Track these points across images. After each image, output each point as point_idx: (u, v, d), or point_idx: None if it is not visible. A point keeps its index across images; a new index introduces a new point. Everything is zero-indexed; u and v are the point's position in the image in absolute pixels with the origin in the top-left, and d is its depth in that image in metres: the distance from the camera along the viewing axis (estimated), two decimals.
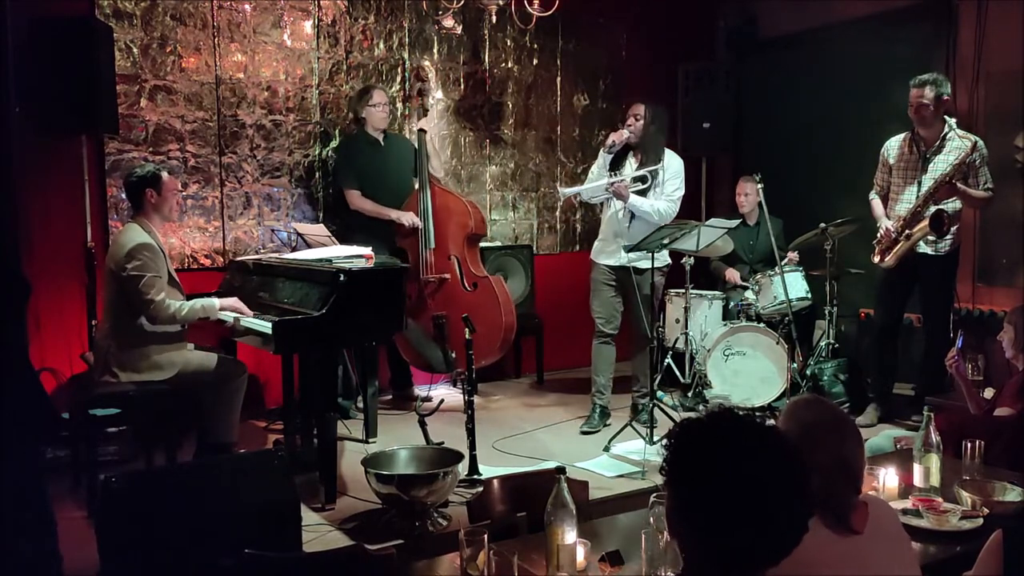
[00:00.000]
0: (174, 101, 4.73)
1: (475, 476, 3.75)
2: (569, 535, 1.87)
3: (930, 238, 4.44)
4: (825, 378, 4.91)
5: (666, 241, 4.23)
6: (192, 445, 3.81)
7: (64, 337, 4.39)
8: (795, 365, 4.84)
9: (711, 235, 4.42)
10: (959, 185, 4.32)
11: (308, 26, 5.12)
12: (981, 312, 5.06)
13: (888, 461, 2.63)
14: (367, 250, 3.89)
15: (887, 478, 2.45)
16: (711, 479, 1.30)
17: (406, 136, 5.34)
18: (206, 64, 4.81)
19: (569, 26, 6.06)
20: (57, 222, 4.37)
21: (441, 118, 5.65)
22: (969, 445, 2.62)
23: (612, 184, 4.47)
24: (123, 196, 4.28)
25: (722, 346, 4.86)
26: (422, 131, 4.96)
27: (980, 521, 2.23)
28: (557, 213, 6.28)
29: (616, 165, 4.57)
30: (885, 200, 4.68)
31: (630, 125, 4.54)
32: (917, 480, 2.49)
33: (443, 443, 3.81)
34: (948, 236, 4.47)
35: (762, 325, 4.90)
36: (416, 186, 5.00)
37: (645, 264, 4.35)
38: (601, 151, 4.65)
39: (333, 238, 4.42)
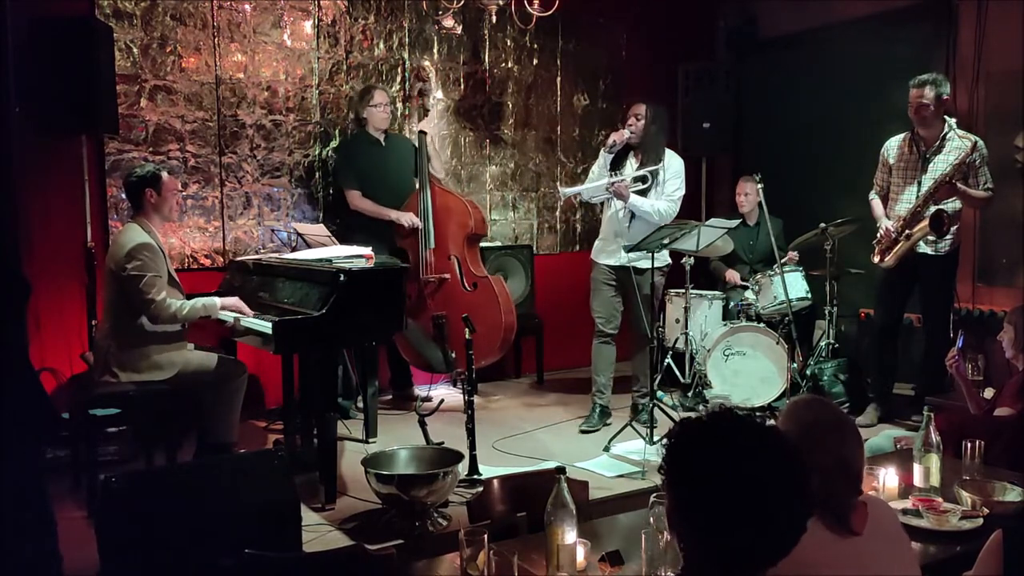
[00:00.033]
0: (174, 101, 4.73)
1: (475, 476, 3.75)
2: (569, 535, 1.87)
3: (930, 238, 4.44)
4: (825, 378, 4.91)
5: (666, 241, 4.23)
6: (192, 445, 3.81)
7: (64, 337, 4.39)
8: (795, 365, 4.84)
9: (711, 235, 4.42)
10: (959, 185, 4.32)
11: (308, 26, 5.12)
12: (981, 312, 5.06)
13: (888, 461, 2.63)
14: (367, 250, 3.89)
15: (887, 478, 2.45)
16: (711, 479, 1.30)
17: (407, 136, 5.34)
18: (206, 64, 4.81)
19: (569, 26, 6.06)
20: (57, 222, 4.37)
21: (441, 118, 5.65)
22: (969, 445, 2.62)
23: (612, 184, 4.47)
24: (123, 196, 4.28)
25: (722, 346, 4.86)
26: (422, 133, 4.96)
27: (980, 521, 2.23)
28: (557, 213, 6.28)
29: (617, 165, 4.58)
30: (885, 200, 4.68)
31: (631, 125, 4.54)
32: (917, 480, 2.49)
33: (443, 443, 3.81)
34: (948, 236, 4.47)
35: (762, 325, 4.90)
36: (417, 186, 5.00)
37: (645, 264, 4.35)
38: (602, 151, 4.65)
39: (333, 238, 4.41)
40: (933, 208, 4.36)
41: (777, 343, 4.77)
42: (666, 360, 5.12)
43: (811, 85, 6.03)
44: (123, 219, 4.47)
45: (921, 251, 4.50)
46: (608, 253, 4.64)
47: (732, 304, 5.27)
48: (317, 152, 5.20)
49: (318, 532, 3.26)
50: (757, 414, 4.54)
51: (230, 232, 4.96)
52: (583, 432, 4.64)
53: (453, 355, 4.51)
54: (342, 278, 3.50)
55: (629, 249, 4.33)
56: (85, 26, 4.13)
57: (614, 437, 4.30)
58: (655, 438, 4.09)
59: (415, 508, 3.20)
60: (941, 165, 4.38)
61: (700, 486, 1.31)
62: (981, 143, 4.37)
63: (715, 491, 1.29)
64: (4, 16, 2.96)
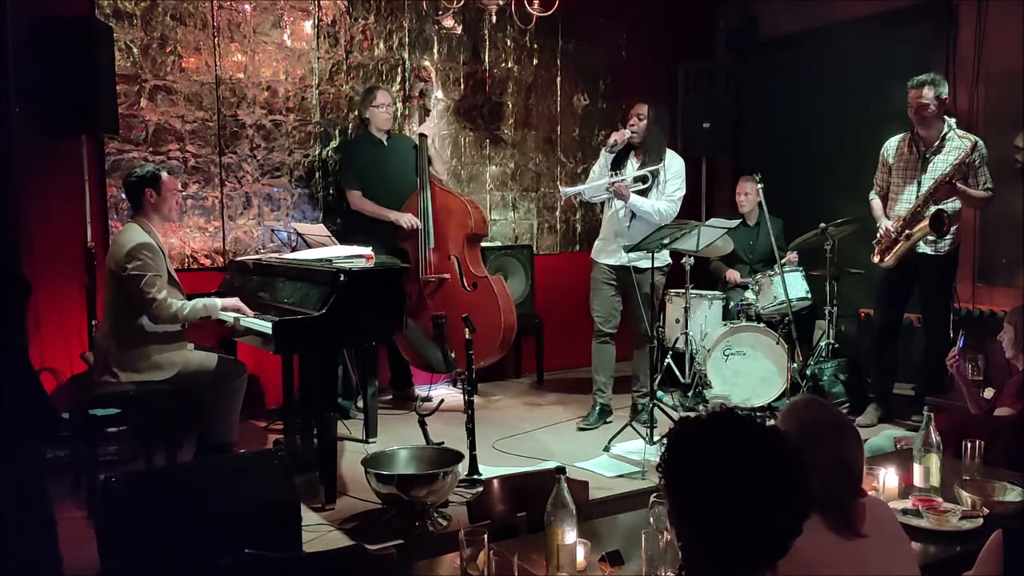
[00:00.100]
0: (174, 101, 4.73)
1: (475, 476, 3.75)
2: (569, 535, 1.87)
3: (930, 238, 4.44)
4: (825, 378, 4.91)
5: (666, 241, 4.23)
6: (192, 445, 3.81)
7: (64, 337, 4.39)
8: (795, 365, 4.83)
9: (711, 235, 4.42)
10: (959, 185, 4.32)
11: (308, 26, 5.12)
12: (981, 312, 5.06)
13: (888, 461, 2.63)
14: (367, 250, 3.90)
15: (887, 478, 2.45)
16: (711, 479, 1.30)
17: (409, 136, 5.33)
18: (206, 64, 4.81)
19: (569, 26, 6.06)
20: (57, 222, 4.37)
21: (441, 118, 5.65)
22: (969, 445, 2.62)
23: (613, 184, 4.47)
24: (123, 196, 4.28)
25: (722, 346, 4.86)
26: (423, 136, 4.97)
27: (980, 521, 2.23)
28: (557, 213, 6.28)
29: (617, 165, 4.58)
30: (885, 200, 4.68)
31: (632, 125, 4.55)
32: (917, 480, 2.49)
33: (443, 443, 3.81)
34: (948, 236, 4.47)
35: (762, 325, 4.90)
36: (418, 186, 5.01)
37: (645, 263, 4.35)
38: (603, 150, 4.66)
39: (333, 238, 4.42)
40: (933, 208, 4.36)
41: (777, 343, 4.77)
42: (666, 360, 5.12)
43: (811, 85, 6.03)
44: (123, 219, 4.47)
45: (921, 251, 4.50)
46: (608, 253, 4.64)
47: (732, 304, 5.27)
48: (317, 152, 5.20)
49: (318, 532, 3.26)
50: (757, 414, 4.54)
51: (230, 232, 4.96)
52: (581, 430, 4.65)
53: (453, 355, 4.50)
54: (342, 278, 3.50)
55: (629, 249, 4.33)
56: (85, 26, 4.13)
57: (614, 437, 4.30)
58: (655, 438, 4.09)
59: (415, 508, 3.19)
60: (941, 165, 4.39)
61: (700, 486, 1.31)
62: (981, 143, 4.37)
63: (715, 491, 1.29)
64: (4, 16, 2.96)
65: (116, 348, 3.61)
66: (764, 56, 6.45)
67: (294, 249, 4.63)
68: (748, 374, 4.82)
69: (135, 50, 4.60)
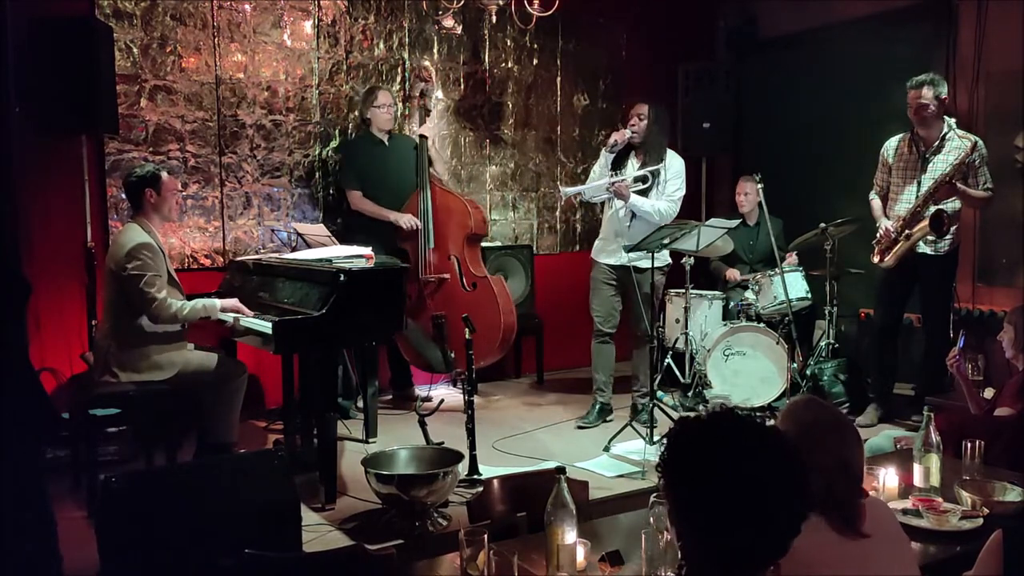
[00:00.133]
0: (174, 101, 4.73)
1: (475, 476, 3.75)
2: (569, 535, 1.87)
3: (930, 238, 4.44)
4: (825, 378, 4.91)
5: (666, 241, 4.23)
6: (192, 445, 3.81)
7: (64, 337, 4.39)
8: (795, 365, 4.83)
9: (711, 235, 4.42)
10: (959, 185, 4.32)
11: (308, 26, 5.12)
12: (981, 312, 5.06)
13: (888, 461, 2.63)
14: (367, 250, 3.90)
15: (887, 478, 2.45)
16: (711, 479, 1.30)
17: (410, 136, 5.33)
18: (206, 64, 4.81)
19: (569, 26, 6.06)
20: (57, 222, 4.37)
21: (441, 118, 5.65)
22: (969, 445, 2.62)
23: (613, 184, 4.47)
24: (123, 196, 4.28)
25: (722, 346, 4.86)
26: (423, 137, 4.97)
27: (980, 521, 2.23)
28: (557, 213, 6.28)
29: (618, 165, 4.58)
30: (885, 200, 4.68)
31: (633, 125, 4.55)
32: (917, 480, 2.49)
33: (443, 443, 3.81)
34: (948, 236, 4.47)
35: (762, 325, 4.90)
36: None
37: (645, 263, 4.35)
38: (603, 150, 4.66)
39: (333, 238, 4.42)
40: (933, 208, 4.36)
41: (777, 343, 4.77)
42: (666, 360, 5.12)
43: (811, 85, 6.03)
44: (123, 219, 4.47)
45: (921, 251, 4.50)
46: (608, 252, 4.65)
47: (732, 304, 5.27)
48: (317, 152, 5.20)
49: (318, 532, 3.26)
50: (757, 414, 4.54)
51: (230, 232, 4.96)
52: (579, 428, 4.65)
53: (453, 355, 4.50)
54: (342, 278, 3.50)
55: (629, 249, 4.33)
56: (85, 26, 4.13)
57: (614, 437, 4.30)
58: (655, 438, 4.09)
59: (415, 508, 3.20)
60: (941, 165, 4.39)
61: (700, 486, 1.31)
62: (981, 143, 4.37)
63: (715, 491, 1.29)
64: (4, 16, 2.96)
65: (116, 348, 3.61)
66: (764, 56, 6.45)
67: (294, 249, 4.63)
68: (748, 374, 4.82)
69: (135, 50, 4.60)
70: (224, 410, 3.75)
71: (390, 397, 5.35)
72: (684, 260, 5.06)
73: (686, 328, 5.14)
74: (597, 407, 4.74)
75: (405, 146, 5.10)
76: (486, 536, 1.83)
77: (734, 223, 4.63)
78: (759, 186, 4.90)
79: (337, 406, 4.56)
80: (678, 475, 1.35)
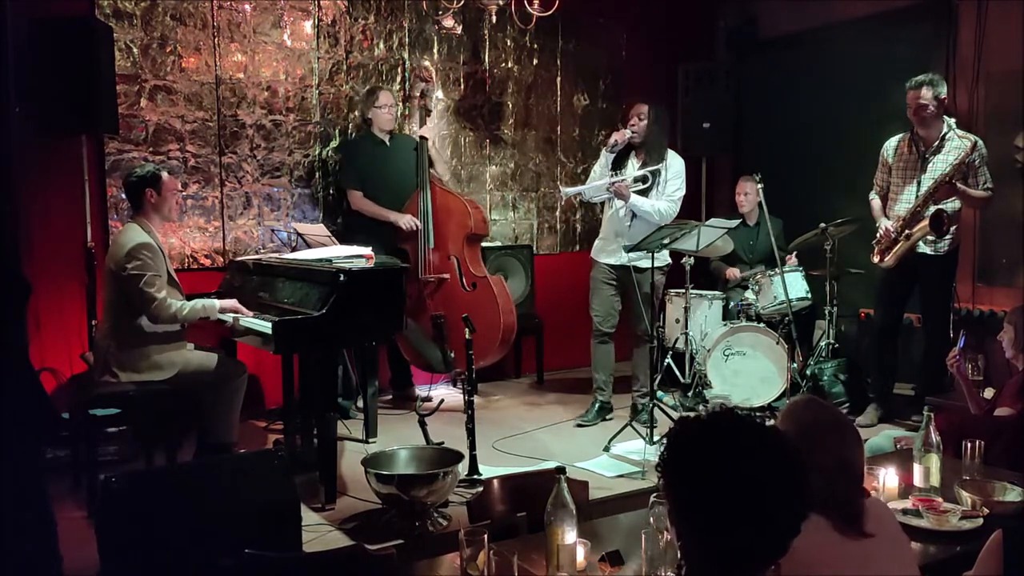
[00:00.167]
0: (174, 101, 4.73)
1: (475, 476, 3.75)
2: (569, 535, 1.87)
3: (929, 238, 4.44)
4: (825, 378, 4.91)
5: (666, 241, 4.24)
6: (192, 445, 3.81)
7: (64, 337, 4.39)
8: (795, 365, 4.83)
9: (711, 235, 4.42)
10: (959, 185, 4.32)
11: (308, 26, 5.12)
12: (981, 312, 5.06)
13: (888, 461, 2.63)
14: (367, 250, 3.90)
15: (887, 478, 2.45)
16: (711, 479, 1.30)
17: (411, 136, 5.33)
18: (206, 64, 4.81)
19: (569, 26, 6.06)
20: (57, 222, 4.37)
21: (441, 118, 5.65)
22: (969, 445, 2.62)
23: (613, 184, 4.48)
24: (123, 196, 4.28)
25: (722, 346, 4.86)
26: (423, 138, 4.96)
27: (980, 521, 2.23)
28: (557, 213, 6.28)
29: (618, 165, 4.59)
30: (885, 200, 4.68)
31: (633, 125, 4.55)
32: (917, 480, 2.49)
33: (443, 443, 3.81)
34: (948, 236, 4.47)
35: (762, 325, 4.90)
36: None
37: (645, 263, 4.35)
38: (603, 150, 4.67)
39: (333, 238, 4.42)
40: (933, 208, 4.36)
41: (777, 343, 4.77)
42: (666, 360, 5.12)
43: (811, 85, 6.03)
44: (123, 219, 4.47)
45: (921, 251, 4.50)
46: (609, 252, 4.65)
47: (732, 304, 5.27)
48: (317, 152, 5.20)
49: (318, 532, 3.26)
50: (757, 414, 4.54)
51: (230, 232, 4.96)
52: (578, 426, 4.66)
53: (452, 355, 4.51)
54: (342, 278, 3.50)
55: (629, 249, 4.33)
56: (85, 26, 4.13)
57: (614, 437, 4.30)
58: (655, 438, 4.09)
59: (415, 508, 3.20)
60: (940, 165, 4.38)
61: (700, 486, 1.31)
62: (981, 143, 4.37)
63: (715, 491, 1.29)
64: (4, 16, 2.96)
65: (116, 348, 3.61)
66: (764, 56, 6.45)
67: (294, 249, 4.63)
68: (748, 374, 4.82)
69: (135, 50, 4.60)
70: (224, 410, 3.75)
71: (390, 397, 5.35)
72: (684, 260, 5.06)
73: (686, 328, 5.14)
74: (597, 405, 4.74)
75: (406, 146, 5.10)
76: (486, 536, 1.83)
77: (734, 223, 4.63)
78: (759, 186, 4.90)
79: (337, 406, 4.56)
80: (678, 475, 1.35)
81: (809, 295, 5.10)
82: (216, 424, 3.74)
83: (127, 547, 2.32)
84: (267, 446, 4.34)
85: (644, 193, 4.51)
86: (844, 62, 5.80)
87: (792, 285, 4.90)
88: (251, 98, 4.96)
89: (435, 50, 5.61)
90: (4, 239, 2.69)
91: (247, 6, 4.91)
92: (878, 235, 4.63)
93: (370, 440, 4.43)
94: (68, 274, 4.37)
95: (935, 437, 2.49)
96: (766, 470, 1.29)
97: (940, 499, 2.36)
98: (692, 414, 1.45)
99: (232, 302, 3.76)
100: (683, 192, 4.62)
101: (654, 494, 1.89)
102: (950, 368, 3.48)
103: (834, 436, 1.77)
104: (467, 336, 3.90)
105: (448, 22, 5.18)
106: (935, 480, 2.47)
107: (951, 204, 4.44)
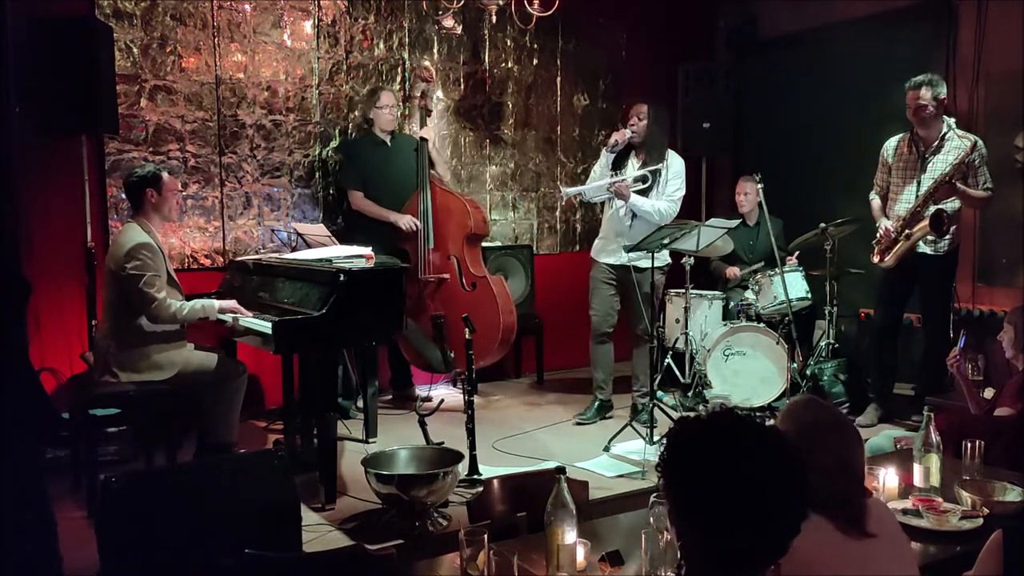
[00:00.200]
0: (174, 101, 4.73)
1: (475, 476, 3.75)
2: (569, 535, 1.87)
3: (929, 238, 4.44)
4: (825, 378, 4.91)
5: (666, 241, 4.24)
6: (192, 445, 3.81)
7: (64, 337, 4.39)
8: (795, 365, 4.83)
9: (711, 235, 4.42)
10: (959, 185, 4.32)
11: (308, 26, 5.12)
12: (981, 312, 5.06)
13: (888, 461, 2.63)
14: (367, 250, 3.90)
15: (887, 478, 2.45)
16: (711, 479, 1.30)
17: (412, 136, 5.33)
18: (206, 64, 4.81)
19: (569, 26, 6.06)
20: (57, 222, 4.37)
21: (441, 118, 5.65)
22: (969, 445, 2.62)
23: (613, 184, 4.48)
24: (123, 196, 4.28)
25: (722, 346, 4.86)
26: (423, 139, 4.96)
27: (980, 521, 2.23)
28: (557, 213, 6.28)
29: (618, 165, 4.59)
30: (885, 200, 4.68)
31: (633, 125, 4.55)
32: (917, 480, 2.49)
33: (443, 443, 3.81)
34: (947, 236, 4.47)
35: (762, 325, 4.90)
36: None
37: (645, 263, 4.35)
38: (603, 150, 4.67)
39: (333, 238, 4.42)
40: (933, 208, 4.36)
41: (777, 343, 4.77)
42: (666, 360, 5.12)
43: (811, 85, 6.03)
44: (123, 219, 4.47)
45: (921, 251, 4.50)
46: (608, 252, 4.65)
47: (732, 304, 5.27)
48: (317, 152, 5.20)
49: (318, 532, 3.26)
50: (757, 414, 4.54)
51: (230, 232, 4.96)
52: (577, 424, 4.66)
53: (452, 355, 4.51)
54: (342, 278, 3.50)
55: (629, 249, 4.34)
56: (85, 26, 4.13)
57: (614, 437, 4.30)
58: (655, 438, 4.09)
59: (415, 508, 3.20)
60: (940, 165, 4.38)
61: (700, 486, 1.31)
62: (980, 143, 4.37)
63: (715, 491, 1.29)
64: (4, 16, 2.96)
65: (116, 348, 3.61)
66: (764, 56, 6.45)
67: (294, 249, 4.63)
68: (748, 374, 4.82)
69: (135, 50, 4.60)
70: (224, 410, 3.75)
71: (390, 397, 5.35)
72: (684, 260, 5.06)
73: (686, 328, 5.14)
74: (596, 404, 4.75)
75: (407, 147, 5.10)
76: (486, 536, 1.83)
77: (734, 223, 4.63)
78: (759, 186, 4.90)
79: (337, 406, 4.56)
80: (678, 475, 1.35)
81: (809, 295, 5.10)
82: (216, 424, 3.74)
83: (127, 547, 2.32)
84: (267, 446, 4.34)
85: (644, 193, 4.51)
86: (844, 62, 5.80)
87: (792, 285, 4.90)
88: (251, 98, 4.96)
89: (435, 50, 5.61)
90: (4, 239, 2.69)
91: (247, 6, 4.91)
92: (878, 235, 4.63)
93: (370, 440, 4.43)
94: (68, 274, 4.37)
95: (935, 437, 2.49)
96: (766, 470, 1.29)
97: (940, 499, 2.36)
98: (692, 414, 1.45)
99: (231, 303, 3.76)
100: (683, 192, 4.62)
101: (654, 494, 1.89)
102: (950, 368, 3.48)
103: (834, 436, 1.77)
104: (467, 336, 3.90)
105: (448, 22, 5.18)
106: (935, 480, 2.47)
107: (951, 204, 4.44)
